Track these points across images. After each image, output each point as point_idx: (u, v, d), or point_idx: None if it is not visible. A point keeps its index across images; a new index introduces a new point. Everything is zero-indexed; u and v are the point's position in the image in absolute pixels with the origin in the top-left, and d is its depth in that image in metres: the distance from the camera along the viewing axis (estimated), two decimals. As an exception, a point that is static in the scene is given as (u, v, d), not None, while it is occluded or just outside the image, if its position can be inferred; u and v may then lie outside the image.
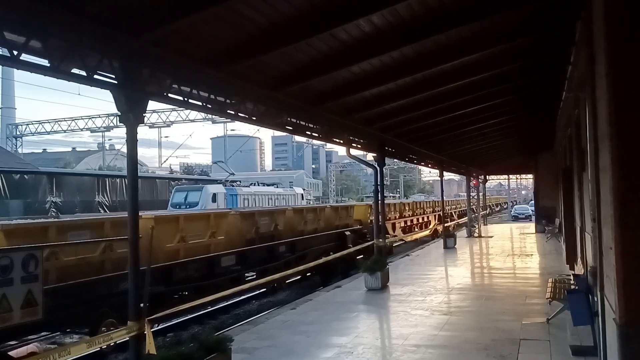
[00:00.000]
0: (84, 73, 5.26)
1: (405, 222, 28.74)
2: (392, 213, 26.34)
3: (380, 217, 14.14)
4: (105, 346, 7.16)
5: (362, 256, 15.87)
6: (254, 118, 8.39)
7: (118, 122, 5.85)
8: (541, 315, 8.89)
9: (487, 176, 35.33)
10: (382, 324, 9.65)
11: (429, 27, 6.91)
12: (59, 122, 43.53)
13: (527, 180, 51.74)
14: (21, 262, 4.87)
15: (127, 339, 5.78)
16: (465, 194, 31.69)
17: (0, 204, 24.54)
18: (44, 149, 70.72)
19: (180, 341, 6.17)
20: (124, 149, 6.50)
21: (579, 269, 9.95)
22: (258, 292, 15.23)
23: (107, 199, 30.46)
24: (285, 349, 7.65)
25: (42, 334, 9.93)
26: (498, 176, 47.92)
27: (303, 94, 8.72)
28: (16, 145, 45.93)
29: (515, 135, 19.88)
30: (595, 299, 5.76)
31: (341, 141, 12.09)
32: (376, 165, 13.88)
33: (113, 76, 5.47)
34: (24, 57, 4.73)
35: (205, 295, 9.22)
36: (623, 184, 3.57)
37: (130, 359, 5.79)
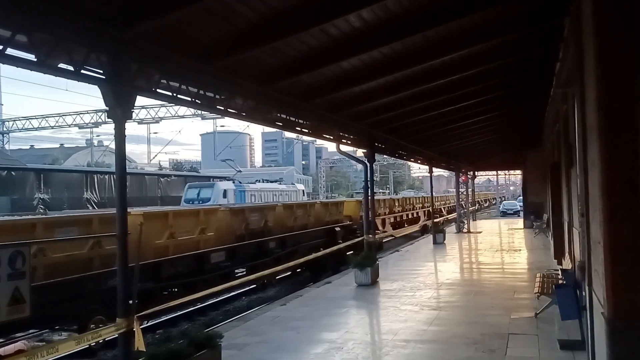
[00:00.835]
0: (71, 68, 5.19)
1: (395, 217, 28.84)
2: (382, 209, 26.42)
3: (370, 213, 14.16)
4: (94, 343, 7.13)
5: (352, 252, 15.90)
6: (244, 114, 8.35)
7: (106, 118, 5.78)
8: (529, 309, 8.96)
9: (476, 172, 35.52)
10: (372, 319, 9.68)
11: (419, 22, 6.90)
12: (47, 118, 43.05)
13: (516, 176, 52.07)
14: (8, 259, 4.80)
15: (116, 336, 5.73)
16: (455, 189, 31.82)
17: (-13, 200, 24.27)
18: (32, 146, 70.05)
19: (170, 338, 6.14)
20: (113, 145, 6.43)
21: (567, 264, 10.03)
22: (248, 288, 15.22)
23: (95, 195, 30.23)
24: (276, 345, 7.64)
25: (30, 331, 9.85)
26: (487, 172, 48.21)
27: (293, 89, 8.69)
28: (3, 142, 45.41)
29: (504, 131, 19.98)
30: (583, 293, 5.81)
31: (331, 137, 12.08)
32: (366, 161, 13.89)
33: (101, 71, 5.40)
34: (10, 51, 4.65)
35: (194, 292, 9.20)
36: (611, 179, 3.59)
37: (120, 356, 5.75)
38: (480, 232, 26.31)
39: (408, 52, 8.07)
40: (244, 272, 13.63)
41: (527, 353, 6.81)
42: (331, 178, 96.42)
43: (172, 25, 5.67)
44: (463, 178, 31.30)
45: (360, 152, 15.11)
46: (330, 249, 15.24)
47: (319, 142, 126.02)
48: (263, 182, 40.41)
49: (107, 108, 5.57)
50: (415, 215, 33.28)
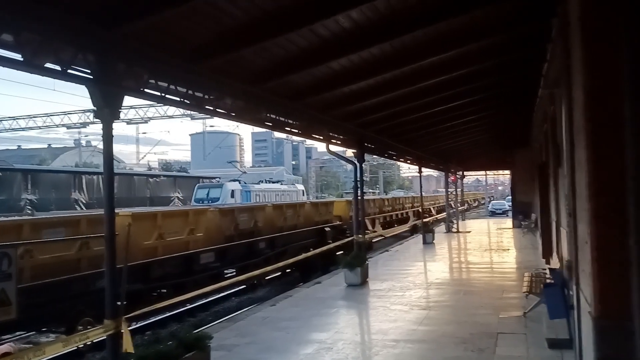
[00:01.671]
0: (58, 67, 5.14)
1: (385, 217, 28.91)
2: (372, 209, 26.47)
3: (359, 213, 14.18)
4: (82, 345, 7.06)
5: (342, 252, 15.92)
6: (233, 114, 8.34)
7: (94, 118, 5.73)
8: (518, 309, 9.02)
9: (465, 172, 35.69)
10: (361, 319, 9.69)
11: (408, 23, 6.92)
12: (34, 118, 42.63)
13: (504, 176, 52.43)
14: (-6, 260, 4.75)
15: (104, 337, 5.69)
16: (444, 189, 31.96)
17: (-26, 202, 23.98)
18: (19, 146, 69.34)
19: (159, 339, 6.09)
20: (101, 146, 6.38)
21: (555, 263, 10.12)
22: (238, 289, 15.18)
23: (83, 196, 29.96)
24: (265, 346, 7.63)
25: (17, 333, 9.75)
26: (476, 172, 48.47)
27: (282, 89, 8.68)
28: (-11, 142, 44.90)
29: (493, 131, 20.09)
30: (571, 292, 5.85)
31: (321, 137, 12.09)
32: (355, 162, 13.91)
33: (88, 71, 5.35)
34: (-5, 51, 4.61)
35: (184, 293, 9.15)
36: (598, 179, 3.62)
37: (108, 358, 5.71)
38: (469, 232, 26.44)
39: (397, 52, 8.09)
40: (234, 273, 13.58)
41: (516, 352, 6.86)
42: (321, 178, 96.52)
43: (161, 25, 5.64)
44: (452, 178, 31.44)
45: (350, 152, 15.13)
46: (320, 249, 15.24)
47: (309, 142, 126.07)
48: (266, 182, 42.58)
49: (94, 108, 5.53)
50: (404, 215, 33.39)
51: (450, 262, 16.93)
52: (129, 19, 5.19)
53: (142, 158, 52.54)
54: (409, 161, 22.81)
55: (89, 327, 7.89)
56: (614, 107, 3.44)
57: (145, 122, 39.74)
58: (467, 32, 7.77)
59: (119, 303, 5.76)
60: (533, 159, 20.47)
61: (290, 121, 10.41)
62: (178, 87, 6.87)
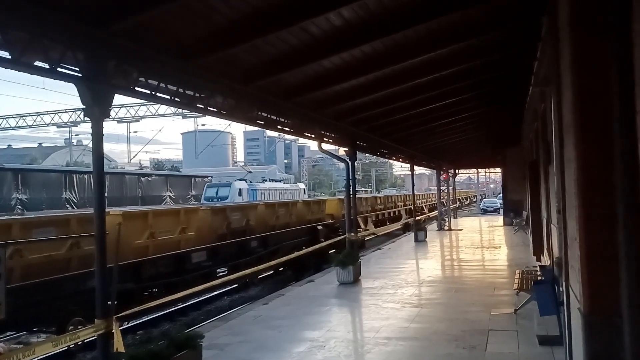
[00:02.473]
0: (47, 66, 5.11)
1: (377, 215, 28.96)
2: (364, 207, 26.50)
3: (352, 211, 14.19)
4: (72, 345, 7.02)
5: (334, 250, 15.93)
6: (224, 112, 8.30)
7: (84, 116, 5.70)
8: (509, 306, 9.06)
9: (457, 170, 35.81)
10: (354, 317, 9.70)
11: (399, 21, 6.92)
12: (24, 117, 42.32)
13: (496, 174, 52.67)
14: (-18, 260, 4.72)
15: (95, 337, 5.66)
16: (436, 187, 32.06)
17: (-36, 201, 23.78)
18: (9, 145, 68.88)
19: (150, 339, 6.08)
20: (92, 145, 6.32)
21: (545, 261, 10.17)
22: (230, 287, 15.15)
23: (75, 195, 29.77)
24: (257, 345, 7.62)
25: (7, 333, 9.68)
26: (468, 170, 48.67)
27: (274, 88, 8.66)
28: (-21, 141, 44.54)
29: (484, 129, 20.16)
30: (561, 289, 5.89)
31: (313, 135, 12.08)
32: (348, 160, 13.92)
33: (78, 69, 5.33)
34: (-17, 49, 4.56)
35: (175, 292, 9.12)
36: (587, 176, 3.64)
37: (99, 357, 5.68)
38: (461, 230, 26.54)
39: (389, 50, 8.09)
40: (226, 272, 13.56)
41: (507, 349, 6.89)
42: (313, 177, 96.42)
43: (151, 22, 5.61)
44: (444, 176, 31.55)
45: (342, 151, 15.13)
46: (312, 248, 15.24)
47: (302, 140, 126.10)
48: (270, 181, 45.44)
49: (84, 107, 5.49)
50: (397, 213, 33.46)
51: (442, 260, 16.99)
52: (118, 17, 5.16)
53: (134, 157, 52.15)
54: (401, 159, 22.85)
55: (79, 327, 7.84)
56: (603, 105, 3.46)
57: (137, 120, 39.57)
58: (458, 30, 7.79)
59: (109, 302, 5.74)
60: (524, 157, 20.57)
61: (282, 120, 10.39)
62: (168, 85, 6.83)
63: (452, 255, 18.48)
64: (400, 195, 41.10)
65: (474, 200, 71.51)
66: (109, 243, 5.68)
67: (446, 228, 26.54)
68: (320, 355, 6.99)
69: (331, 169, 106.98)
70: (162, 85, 6.73)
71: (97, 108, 5.41)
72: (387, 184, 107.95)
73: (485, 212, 45.38)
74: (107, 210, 7.72)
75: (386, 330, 8.05)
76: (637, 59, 2.49)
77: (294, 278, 16.08)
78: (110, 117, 5.80)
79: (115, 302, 5.94)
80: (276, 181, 47.37)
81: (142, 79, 6.36)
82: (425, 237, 21.60)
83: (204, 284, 10.32)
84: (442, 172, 30.05)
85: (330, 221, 20.93)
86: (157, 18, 5.53)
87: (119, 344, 5.80)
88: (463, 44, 8.40)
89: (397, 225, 29.46)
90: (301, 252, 14.80)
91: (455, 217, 34.46)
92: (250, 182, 39.29)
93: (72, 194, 29.62)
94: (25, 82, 44.33)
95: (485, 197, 60.73)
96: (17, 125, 42.78)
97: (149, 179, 36.59)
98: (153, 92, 6.66)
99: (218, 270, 13.70)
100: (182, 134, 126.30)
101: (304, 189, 48.69)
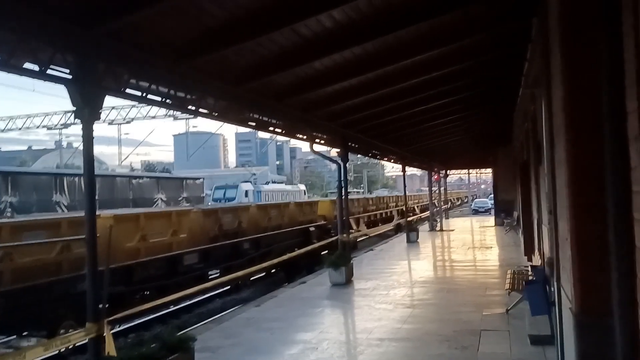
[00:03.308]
0: (36, 68, 5.07)
1: (369, 217, 29.00)
2: (356, 208, 26.53)
3: (344, 212, 14.20)
4: (63, 349, 6.97)
5: (326, 252, 15.93)
6: (216, 114, 8.28)
7: (74, 118, 5.66)
8: (501, 306, 9.10)
9: (448, 171, 35.93)
10: (346, 318, 9.70)
11: (390, 23, 6.94)
12: (14, 120, 41.97)
13: (487, 174, 52.89)
14: (-29, 264, 4.68)
15: (86, 341, 5.62)
16: (427, 188, 32.16)
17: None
18: (-2, 147, 68.26)
19: (142, 341, 6.04)
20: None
21: (537, 261, 10.23)
22: (222, 290, 15.09)
23: (65, 198, 29.53)
24: (250, 347, 7.60)
25: (-3, 338, 9.59)
26: (459, 170, 48.84)
27: (265, 89, 8.65)
28: (-32, 144, 44.10)
29: (475, 130, 20.25)
30: (552, 289, 5.92)
31: (304, 137, 12.08)
32: (339, 161, 13.92)
33: (67, 71, 5.29)
34: (-29, 50, 4.52)
35: (167, 295, 9.08)
36: (577, 176, 3.67)
37: (90, 361, 5.63)
38: (452, 230, 26.63)
39: (379, 52, 8.11)
40: (218, 274, 13.51)
41: (499, 349, 6.92)
42: (305, 178, 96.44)
43: (141, 24, 5.58)
44: (435, 177, 31.66)
45: (334, 152, 15.14)
46: (305, 249, 15.23)
47: (293, 142, 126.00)
48: (273, 183, 48.77)
49: (74, 108, 5.45)
50: (389, 214, 33.52)
51: (434, 261, 17.04)
52: (109, 18, 5.12)
53: (124, 159, 52.00)
54: (392, 160, 22.91)
55: (71, 330, 7.78)
56: (593, 106, 3.48)
57: (128, 122, 39.33)
58: (448, 32, 7.82)
59: (100, 306, 5.70)
60: (515, 158, 20.68)
61: (274, 121, 10.38)
62: (159, 87, 6.80)
63: (444, 255, 18.54)
64: (392, 196, 41.22)
65: (465, 201, 71.77)
66: (100, 246, 5.65)
67: (438, 229, 26.62)
68: (313, 357, 6.98)
69: (323, 170, 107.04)
70: (153, 87, 6.70)
71: (87, 110, 5.36)
72: (379, 185, 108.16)
73: (476, 212, 45.53)
74: (98, 213, 7.68)
75: (379, 331, 8.05)
76: (627, 60, 2.51)
77: (287, 280, 16.05)
78: (100, 119, 5.75)
79: (107, 306, 5.90)
80: (278, 183, 50.67)
81: (133, 81, 6.32)
82: (417, 237, 21.65)
83: (196, 286, 10.27)
84: (433, 172, 30.14)
85: (323, 222, 20.92)
86: (147, 19, 5.51)
87: (110, 348, 5.76)
88: (454, 46, 8.43)
89: (389, 226, 29.50)
90: (293, 254, 14.77)
91: (446, 218, 34.57)
92: (256, 184, 41.87)
93: (62, 197, 29.38)
94: (14, 84, 44.14)
95: (476, 198, 60.98)
96: (7, 128, 42.41)
97: (140, 181, 36.35)
98: (144, 94, 6.63)
99: (210, 273, 13.64)
100: (173, 135, 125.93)
101: (304, 191, 50.99)
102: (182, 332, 7.34)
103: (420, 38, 7.81)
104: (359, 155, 37.59)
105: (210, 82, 7.55)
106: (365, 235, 25.58)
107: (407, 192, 26.57)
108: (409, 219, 25.22)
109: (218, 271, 13.76)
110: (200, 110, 7.95)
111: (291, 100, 9.49)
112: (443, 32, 7.77)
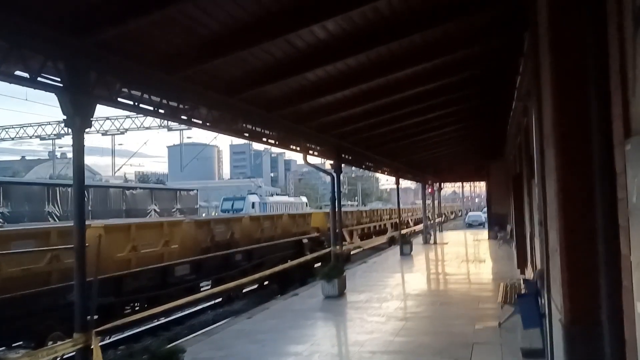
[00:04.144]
0: (27, 75, 5.06)
1: (363, 229, 28.94)
2: (350, 220, 26.49)
3: (337, 224, 14.16)
4: (50, 360, 6.85)
5: (319, 264, 15.86)
6: (209, 124, 8.27)
7: (64, 126, 5.65)
8: (493, 319, 9.06)
9: (442, 184, 35.98)
10: (338, 331, 9.63)
11: (383, 35, 6.98)
12: (7, 130, 41.81)
13: (481, 188, 53.05)
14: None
15: (74, 352, 5.54)
16: (421, 201, 32.18)
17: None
18: (-10, 158, 67.83)
19: (132, 354, 5.97)
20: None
21: (529, 274, 10.21)
22: (213, 302, 14.97)
23: (57, 208, 29.35)
24: (240, 359, 7.52)
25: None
26: (453, 183, 48.97)
27: (258, 100, 8.65)
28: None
29: (468, 143, 20.34)
30: (543, 301, 5.90)
31: (298, 148, 12.08)
32: (333, 173, 13.91)
33: (59, 79, 5.28)
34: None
35: (158, 306, 8.99)
36: (567, 187, 3.67)
37: (77, 373, 5.56)
38: (446, 244, 26.60)
39: (372, 64, 8.15)
40: (210, 286, 13.41)
41: (491, 362, 6.88)
42: (300, 190, 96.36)
43: (134, 33, 5.59)
44: (430, 190, 31.68)
45: (328, 164, 15.14)
46: (297, 261, 15.15)
47: (288, 154, 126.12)
48: (277, 195, 51.60)
49: (65, 117, 5.43)
50: (382, 226, 33.48)
51: (428, 274, 16.98)
52: (101, 28, 5.13)
53: (118, 170, 51.75)
54: (386, 172, 22.92)
55: (59, 342, 7.68)
56: (582, 116, 3.50)
57: (122, 133, 39.24)
58: (442, 44, 7.87)
59: (89, 317, 5.63)
60: (508, 171, 20.74)
61: (267, 132, 10.38)
62: (152, 97, 6.79)
63: (438, 268, 18.50)
64: (386, 209, 41.20)
65: (459, 214, 71.84)
66: (89, 256, 5.60)
67: (431, 242, 26.58)
68: (303, 370, 6.92)
69: (317, 182, 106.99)
70: (146, 96, 6.70)
71: (78, 118, 5.35)
72: (373, 198, 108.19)
73: (470, 226, 45.48)
74: (89, 223, 7.62)
75: (371, 344, 7.98)
76: (612, 71, 2.53)
77: (279, 292, 15.95)
78: (91, 127, 5.73)
79: (96, 317, 5.83)
80: (281, 195, 53.81)
81: (125, 90, 6.32)
82: (411, 250, 21.59)
83: (187, 297, 10.18)
84: (427, 185, 30.17)
85: (316, 234, 20.86)
86: (140, 29, 5.51)
87: (98, 359, 5.68)
88: (447, 58, 8.49)
89: (382, 239, 29.44)
90: (286, 265, 14.70)
91: (440, 231, 34.54)
92: (262, 195, 44.52)
93: (55, 207, 29.20)
94: (7, 93, 43.95)
95: (470, 211, 61.01)
96: (0, 138, 42.26)
97: (134, 192, 36.20)
98: (136, 103, 6.63)
99: (202, 284, 13.54)
100: (168, 147, 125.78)
101: (306, 203, 53.87)
102: (172, 344, 7.26)
103: (413, 50, 7.85)
104: (353, 168, 37.72)
105: (203, 92, 7.55)
106: (359, 247, 25.50)
107: (401, 205, 26.55)
108: (403, 231, 25.18)
109: (210, 283, 13.66)
110: (193, 120, 7.95)
111: (284, 111, 9.50)
112: (436, 44, 7.82)
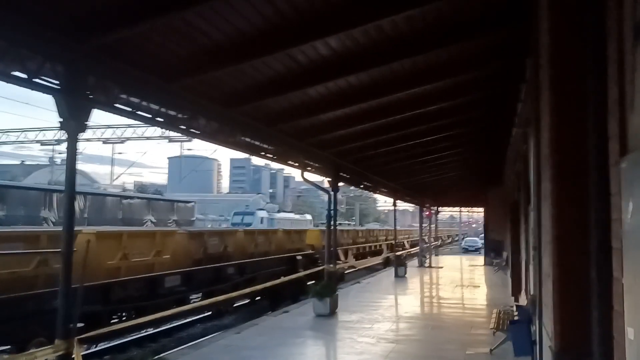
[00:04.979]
0: (25, 76, 5.03)
1: (358, 249, 28.78)
2: (345, 239, 26.34)
3: (332, 242, 14.05)
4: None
5: (313, 282, 15.70)
6: (207, 134, 8.22)
7: (59, 129, 5.60)
8: (485, 345, 8.93)
9: (440, 207, 35.89)
10: (328, 350, 9.50)
11: (386, 54, 6.97)
12: (8, 133, 41.82)
13: (479, 214, 52.91)
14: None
15: (54, 359, 5.41)
16: (418, 224, 32.09)
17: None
18: (-10, 161, 67.77)
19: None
20: (78, 165, 6.18)
21: (523, 301, 10.10)
22: (203, 315, 14.80)
23: (54, 214, 29.17)
24: (225, 374, 7.38)
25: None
26: (450, 208, 48.84)
27: (257, 113, 8.63)
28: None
29: (467, 168, 20.31)
30: (534, 327, 5.81)
31: (296, 164, 12.03)
32: (330, 191, 13.85)
33: (56, 81, 5.25)
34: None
35: (146, 316, 8.84)
36: (561, 212, 3.63)
37: (56, 381, 5.42)
38: (441, 267, 26.45)
39: (375, 83, 8.15)
40: (200, 298, 13.25)
41: (480, 389, 6.75)
42: (298, 207, 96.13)
43: (134, 40, 5.58)
44: (427, 213, 31.59)
45: (327, 183, 15.07)
46: (289, 277, 14.99)
47: (287, 171, 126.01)
48: (283, 212, 54.19)
49: (60, 119, 5.38)
50: (378, 247, 33.30)
51: (421, 297, 16.84)
52: (101, 32, 5.12)
53: (116, 179, 51.71)
54: (384, 193, 22.86)
55: (40, 347, 7.52)
56: (578, 142, 3.47)
57: (122, 142, 39.25)
58: (443, 67, 7.87)
59: (72, 324, 5.52)
60: (506, 198, 20.69)
61: (266, 146, 10.34)
62: (150, 104, 6.76)
63: (431, 292, 18.35)
64: (382, 230, 41.07)
65: (456, 239, 71.60)
66: (76, 262, 5.51)
67: (427, 265, 26.43)
68: (289, 388, 6.78)
69: (315, 200, 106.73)
70: (144, 103, 6.66)
71: (73, 122, 5.31)
72: (371, 219, 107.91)
73: (466, 251, 45.36)
74: (80, 228, 7.51)
75: (359, 365, 7.86)
76: (611, 98, 2.50)
77: (270, 308, 15.77)
78: (85, 131, 5.67)
79: (82, 325, 5.72)
80: (287, 212, 56.11)
81: (124, 96, 6.28)
82: (406, 272, 21.45)
83: (176, 308, 10.04)
84: (424, 208, 30.09)
85: (310, 251, 20.71)
86: (140, 35, 5.50)
87: (78, 367, 5.55)
88: (449, 81, 8.49)
89: (377, 260, 29.27)
90: (278, 281, 14.54)
91: (436, 255, 34.36)
92: (269, 212, 46.47)
93: (51, 213, 29.01)
94: (9, 96, 44.02)
95: (467, 237, 60.82)
96: (1, 141, 42.26)
97: (131, 201, 36.00)
98: (134, 110, 6.58)
99: (192, 297, 13.38)
100: (169, 158, 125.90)
101: (311, 220, 55.19)
102: (157, 356, 7.13)
103: (416, 71, 7.86)
104: (352, 187, 37.63)
105: (202, 102, 7.52)
106: (353, 267, 25.34)
107: (397, 227, 26.44)
108: (398, 253, 25.04)
109: (200, 295, 13.50)
110: (192, 130, 7.90)
111: (283, 125, 9.48)
112: (439, 66, 7.83)
